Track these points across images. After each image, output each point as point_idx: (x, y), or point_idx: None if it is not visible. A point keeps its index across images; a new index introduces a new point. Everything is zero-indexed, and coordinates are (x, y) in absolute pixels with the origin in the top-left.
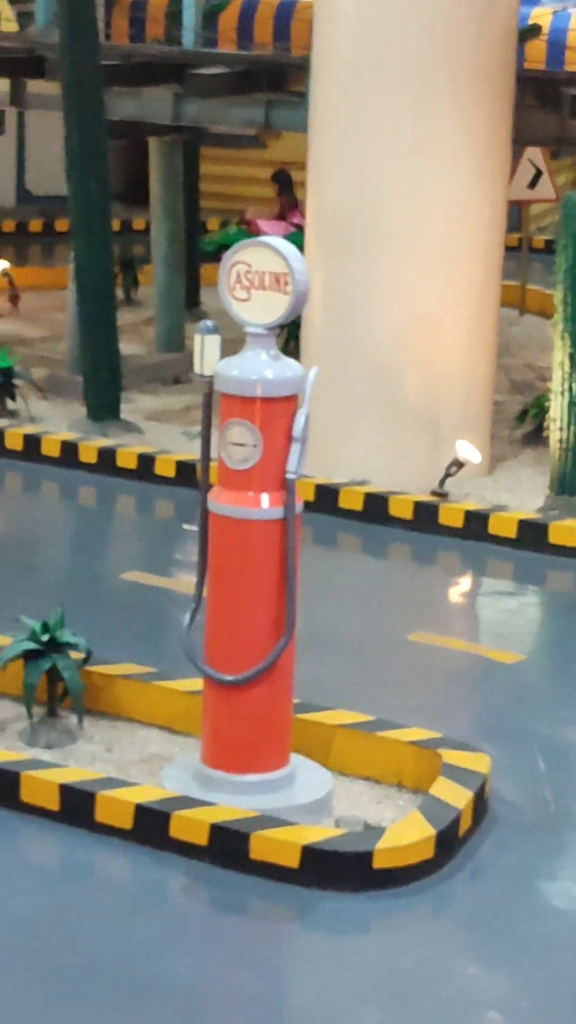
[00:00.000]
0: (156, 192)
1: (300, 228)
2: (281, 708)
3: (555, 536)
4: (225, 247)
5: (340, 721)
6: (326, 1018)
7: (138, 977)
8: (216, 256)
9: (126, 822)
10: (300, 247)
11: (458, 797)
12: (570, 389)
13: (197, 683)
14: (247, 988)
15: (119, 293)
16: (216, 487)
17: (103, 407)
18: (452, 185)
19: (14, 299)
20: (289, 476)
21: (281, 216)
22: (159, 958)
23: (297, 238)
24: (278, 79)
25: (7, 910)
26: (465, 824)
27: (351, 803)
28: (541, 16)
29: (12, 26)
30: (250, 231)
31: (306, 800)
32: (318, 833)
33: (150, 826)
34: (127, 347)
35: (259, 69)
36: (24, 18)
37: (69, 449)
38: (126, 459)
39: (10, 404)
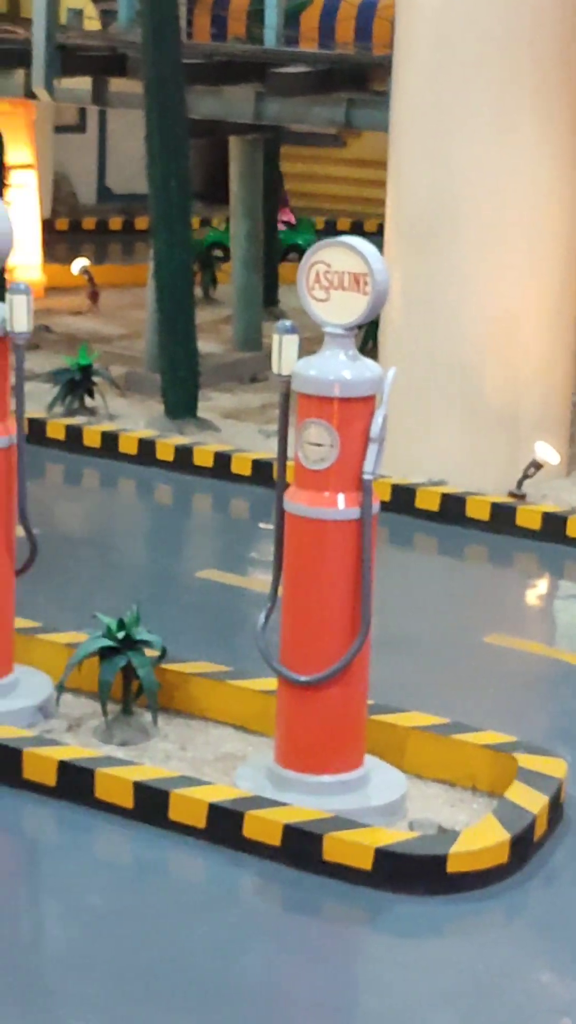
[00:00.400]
0: (236, 191)
1: (289, 225)
2: (355, 709)
3: None
4: (214, 245)
5: (415, 723)
6: (398, 1022)
7: (212, 977)
8: (207, 254)
9: (199, 821)
10: (288, 246)
11: (533, 802)
12: None
13: (272, 683)
14: (320, 990)
15: (198, 291)
16: (292, 487)
17: (180, 405)
18: (535, 184)
19: (93, 296)
20: (366, 476)
21: None
22: (233, 958)
23: (286, 237)
24: (359, 78)
25: (83, 907)
26: (540, 829)
27: (425, 806)
28: None
29: (95, 24)
30: None
31: (380, 802)
32: (391, 836)
33: (223, 825)
34: (205, 345)
35: (340, 68)
36: (107, 16)
37: (146, 447)
38: (203, 457)
39: (89, 401)
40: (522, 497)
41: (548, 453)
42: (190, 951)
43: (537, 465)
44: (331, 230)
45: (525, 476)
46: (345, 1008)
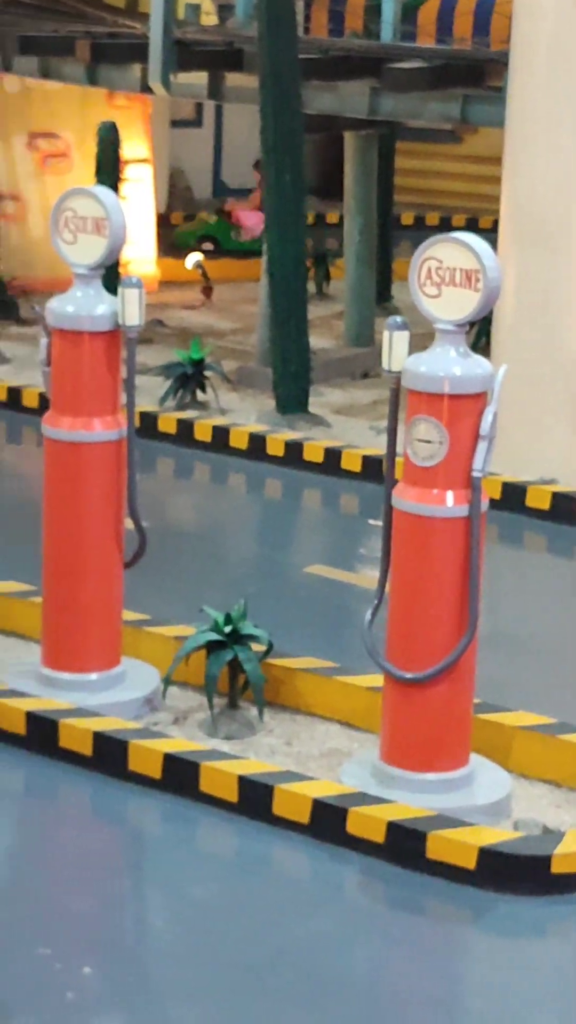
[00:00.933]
0: (350, 186)
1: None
2: (462, 707)
3: None
4: (204, 238)
5: (521, 723)
6: (501, 1022)
7: (317, 972)
8: (197, 247)
9: (303, 816)
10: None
11: None
12: None
13: (378, 679)
14: (424, 988)
15: (311, 287)
16: (401, 483)
17: (292, 400)
18: None
19: (207, 291)
20: (475, 474)
21: (261, 207)
22: (337, 954)
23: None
24: (476, 73)
25: (188, 900)
26: None
27: (530, 806)
28: None
29: (212, 19)
30: (230, 221)
31: (485, 801)
32: (496, 835)
33: (327, 821)
34: (317, 341)
35: (457, 63)
36: (224, 11)
37: (257, 441)
38: (313, 453)
39: (200, 396)
40: None
41: None
42: (295, 946)
43: None
44: (446, 226)
45: None
46: (447, 1006)
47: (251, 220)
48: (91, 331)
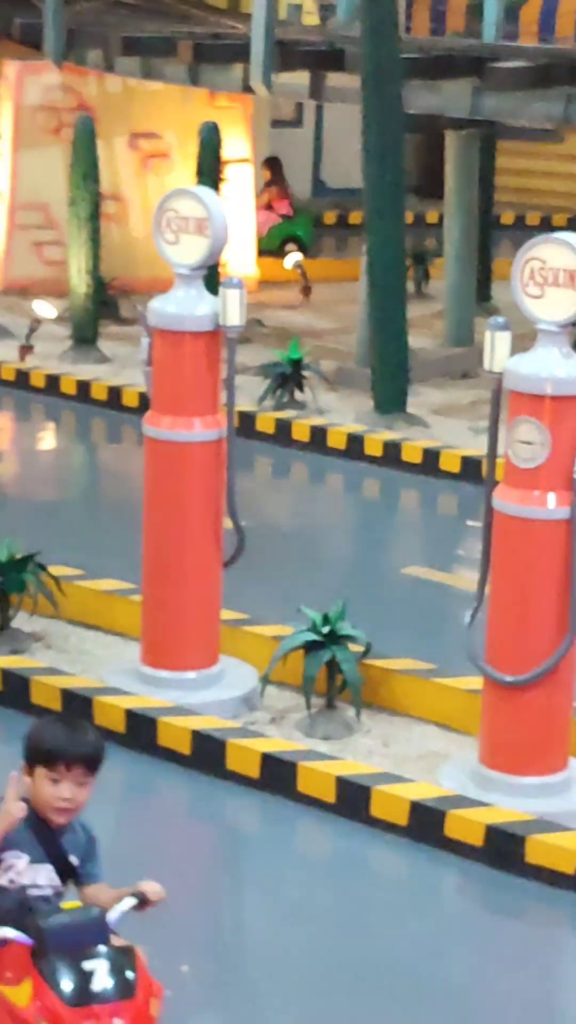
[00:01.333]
0: (451, 186)
1: (287, 218)
2: (561, 711)
3: None
4: (289, 239)
5: None
6: None
7: (415, 975)
8: (281, 249)
9: (401, 818)
10: (285, 237)
11: None
12: None
13: (476, 681)
14: (523, 994)
15: (410, 286)
16: (502, 485)
17: (390, 400)
18: None
19: (306, 291)
20: None
21: (269, 205)
22: (436, 958)
23: (282, 229)
24: None
25: (285, 900)
26: None
27: None
28: None
29: (314, 19)
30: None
31: None
32: None
33: (425, 824)
34: (416, 340)
35: (559, 63)
36: (325, 11)
37: (355, 441)
38: (411, 453)
39: (298, 395)
40: None
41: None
42: (393, 948)
43: None
44: (546, 226)
45: None
46: (546, 1011)
47: (259, 218)
48: (192, 331)
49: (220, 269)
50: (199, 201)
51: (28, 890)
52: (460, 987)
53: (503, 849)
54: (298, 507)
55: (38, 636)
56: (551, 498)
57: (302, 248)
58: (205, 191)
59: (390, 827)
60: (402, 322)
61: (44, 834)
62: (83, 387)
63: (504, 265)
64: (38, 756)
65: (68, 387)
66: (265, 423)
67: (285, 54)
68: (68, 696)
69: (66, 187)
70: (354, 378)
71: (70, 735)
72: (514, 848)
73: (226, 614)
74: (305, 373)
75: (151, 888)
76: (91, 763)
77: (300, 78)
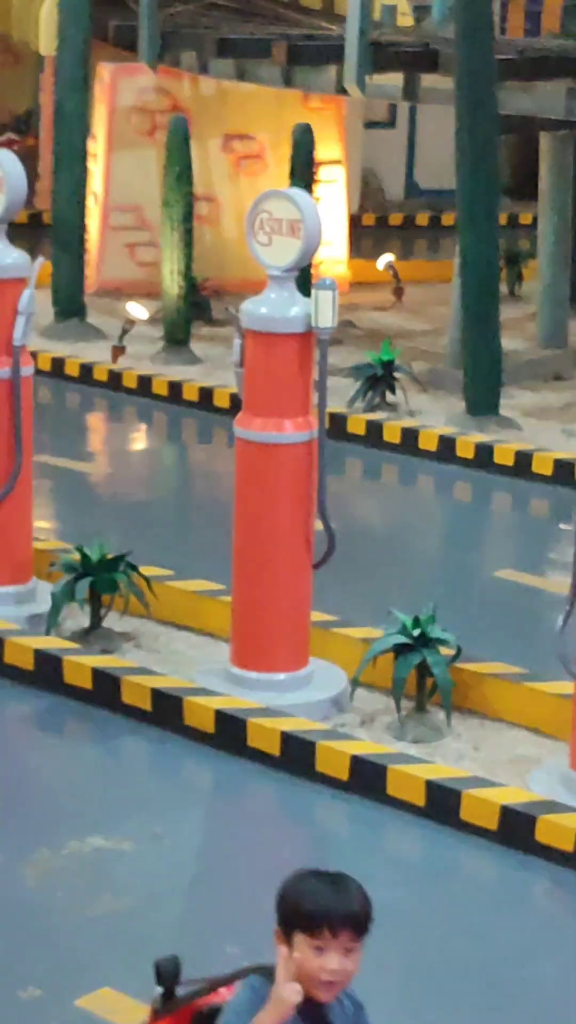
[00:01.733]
0: (545, 187)
1: None
2: None
3: None
4: None
5: None
6: None
7: (502, 981)
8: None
9: (491, 823)
10: None
11: None
12: None
13: (567, 686)
14: None
15: (503, 288)
16: None
17: (482, 402)
18: None
19: (398, 292)
20: None
21: None
22: (525, 963)
23: None
24: None
25: (373, 903)
26: None
27: None
28: None
29: (408, 20)
30: None
31: None
32: None
33: (516, 829)
34: (509, 342)
35: None
36: (420, 12)
37: (446, 444)
38: (503, 455)
39: (390, 397)
40: None
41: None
42: (484, 953)
43: None
44: None
45: None
46: None
47: None
48: (284, 332)
49: (312, 270)
50: (293, 203)
51: None
52: (549, 994)
53: None
54: (388, 509)
55: (129, 636)
56: None
57: None
58: (299, 193)
59: (480, 831)
60: (495, 324)
61: (311, 1014)
62: (175, 388)
63: None
64: (298, 920)
65: (160, 388)
66: (356, 425)
67: (379, 55)
68: (158, 696)
69: (159, 189)
70: (446, 380)
71: (334, 892)
72: None
73: (316, 616)
74: (397, 375)
75: None
76: (360, 926)
77: (394, 79)
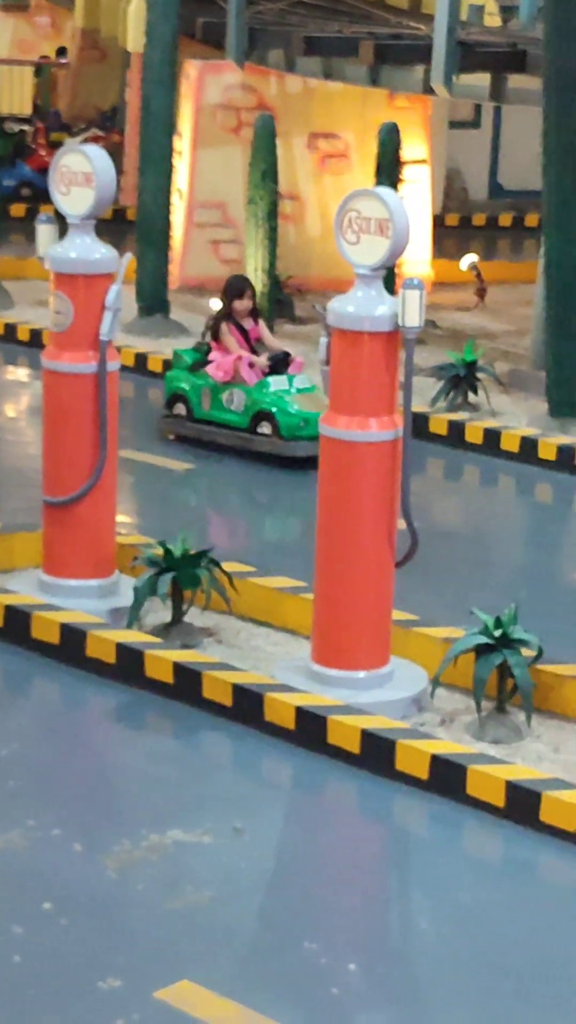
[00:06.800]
0: None
1: None
2: None
3: None
4: None
5: None
6: None
7: None
8: None
9: (572, 824)
10: None
11: None
12: None
13: None
14: None
15: None
16: None
17: (565, 404)
18: None
19: (481, 293)
20: None
21: None
22: None
23: None
24: None
25: (453, 903)
26: None
27: None
28: None
29: (495, 20)
30: None
31: None
32: None
33: None
34: None
35: None
36: (507, 12)
37: (528, 445)
38: None
39: (472, 397)
40: None
41: None
42: (561, 955)
43: None
44: None
45: None
46: None
47: None
48: (371, 331)
49: (396, 270)
50: (381, 202)
51: None
52: None
53: None
54: (470, 509)
55: (209, 631)
56: None
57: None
58: (387, 192)
59: (560, 833)
60: None
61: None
62: None
63: None
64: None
65: None
66: (438, 425)
67: (466, 55)
68: (238, 692)
69: (244, 186)
70: (528, 381)
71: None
72: None
73: (397, 615)
74: (479, 375)
75: None
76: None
77: (481, 79)
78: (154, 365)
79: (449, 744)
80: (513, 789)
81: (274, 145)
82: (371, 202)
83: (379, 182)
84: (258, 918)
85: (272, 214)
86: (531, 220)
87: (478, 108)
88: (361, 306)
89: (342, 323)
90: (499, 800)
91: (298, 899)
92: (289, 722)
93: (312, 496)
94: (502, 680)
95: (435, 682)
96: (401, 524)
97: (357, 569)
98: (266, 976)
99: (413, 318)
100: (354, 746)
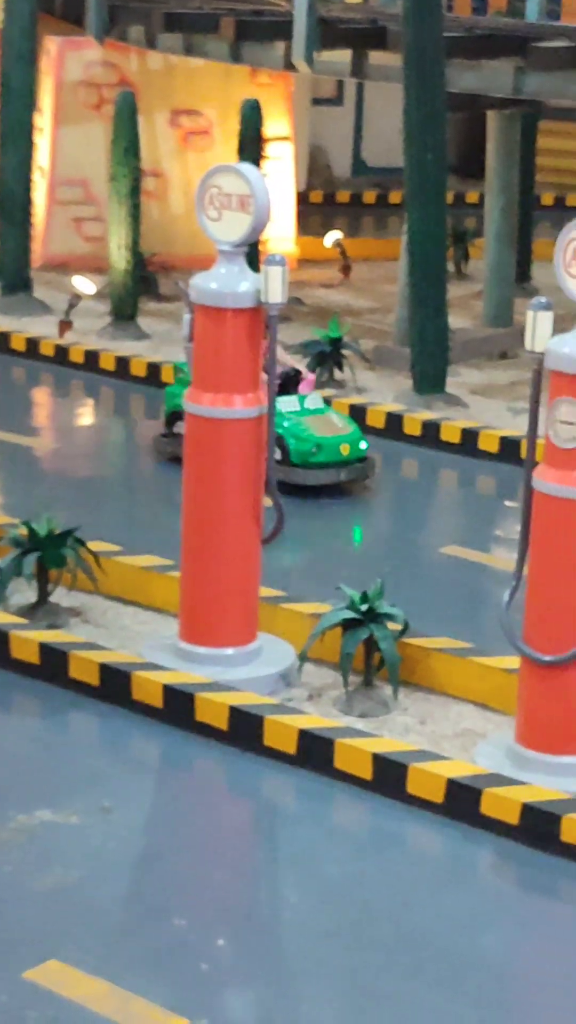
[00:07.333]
0: (492, 166)
1: None
2: None
3: None
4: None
5: None
6: None
7: (448, 952)
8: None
9: (437, 796)
10: None
11: None
12: None
13: (514, 661)
14: (556, 970)
15: (450, 266)
16: (541, 465)
17: (429, 380)
18: None
19: (345, 270)
20: None
21: None
22: (470, 935)
23: None
24: None
25: (321, 876)
26: None
27: None
28: None
29: None
30: None
31: None
32: None
33: (461, 801)
34: (455, 320)
35: None
36: None
37: (393, 421)
38: (450, 433)
39: (337, 374)
40: None
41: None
42: (429, 925)
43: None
44: None
45: None
46: None
47: None
48: (234, 308)
49: (260, 247)
50: (243, 178)
51: None
52: (495, 964)
53: (539, 828)
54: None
55: (76, 611)
56: None
57: None
58: (248, 168)
59: (426, 805)
60: (442, 302)
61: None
62: (122, 363)
63: (544, 246)
64: None
65: (107, 363)
66: None
67: (327, 32)
68: (106, 671)
69: (106, 163)
70: (393, 357)
71: None
72: (550, 827)
73: (264, 591)
74: (344, 352)
75: None
76: None
77: (342, 56)
78: (17, 344)
79: (317, 719)
80: (380, 762)
81: (135, 122)
82: (232, 178)
83: (242, 159)
84: (126, 896)
85: (135, 191)
86: (395, 197)
87: (341, 85)
88: (223, 283)
89: (205, 300)
90: (366, 773)
91: (167, 876)
92: (157, 700)
93: (179, 474)
94: (369, 654)
95: (303, 658)
96: (267, 501)
97: (223, 546)
98: (135, 954)
99: (276, 294)
100: (222, 723)
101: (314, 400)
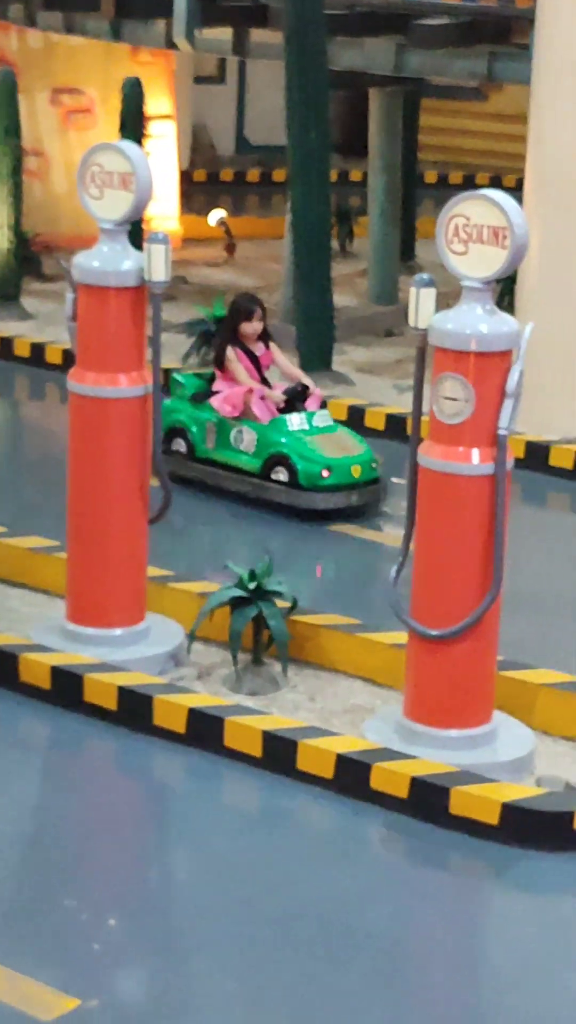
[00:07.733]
0: (375, 144)
1: None
2: (485, 665)
3: None
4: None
5: (545, 680)
6: (523, 977)
7: (340, 926)
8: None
9: (327, 771)
10: None
11: None
12: None
13: (401, 636)
14: (446, 943)
15: (334, 244)
16: (426, 441)
17: (315, 358)
18: None
19: (230, 248)
20: (501, 432)
21: None
22: (359, 908)
23: None
24: (502, 31)
25: (210, 853)
26: None
27: (553, 763)
28: None
29: None
30: None
31: (508, 758)
32: (518, 791)
33: (351, 776)
34: (340, 298)
35: (483, 20)
36: None
37: None
38: (337, 411)
39: None
40: None
41: None
42: (318, 899)
43: None
44: (469, 185)
45: None
46: (472, 962)
47: None
48: (117, 287)
49: (143, 225)
50: (123, 155)
51: None
52: (385, 937)
53: (427, 801)
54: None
55: None
56: (475, 454)
57: None
58: (129, 146)
59: (316, 780)
60: (327, 280)
61: None
62: (5, 344)
63: (427, 223)
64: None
65: None
66: None
67: (208, 9)
68: None
69: None
70: (279, 336)
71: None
72: (438, 800)
73: (152, 571)
74: None
75: None
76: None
77: (223, 34)
78: None
79: (206, 697)
80: (270, 739)
81: (15, 101)
82: (113, 156)
83: (124, 137)
84: (16, 879)
85: (16, 170)
86: (278, 175)
87: (223, 63)
88: (106, 261)
89: (87, 278)
90: (256, 750)
91: (56, 858)
92: (45, 682)
93: (64, 455)
94: (258, 632)
95: (191, 637)
96: (154, 481)
97: (109, 526)
98: (26, 936)
99: (159, 272)
100: (111, 703)
101: (323, 417)
